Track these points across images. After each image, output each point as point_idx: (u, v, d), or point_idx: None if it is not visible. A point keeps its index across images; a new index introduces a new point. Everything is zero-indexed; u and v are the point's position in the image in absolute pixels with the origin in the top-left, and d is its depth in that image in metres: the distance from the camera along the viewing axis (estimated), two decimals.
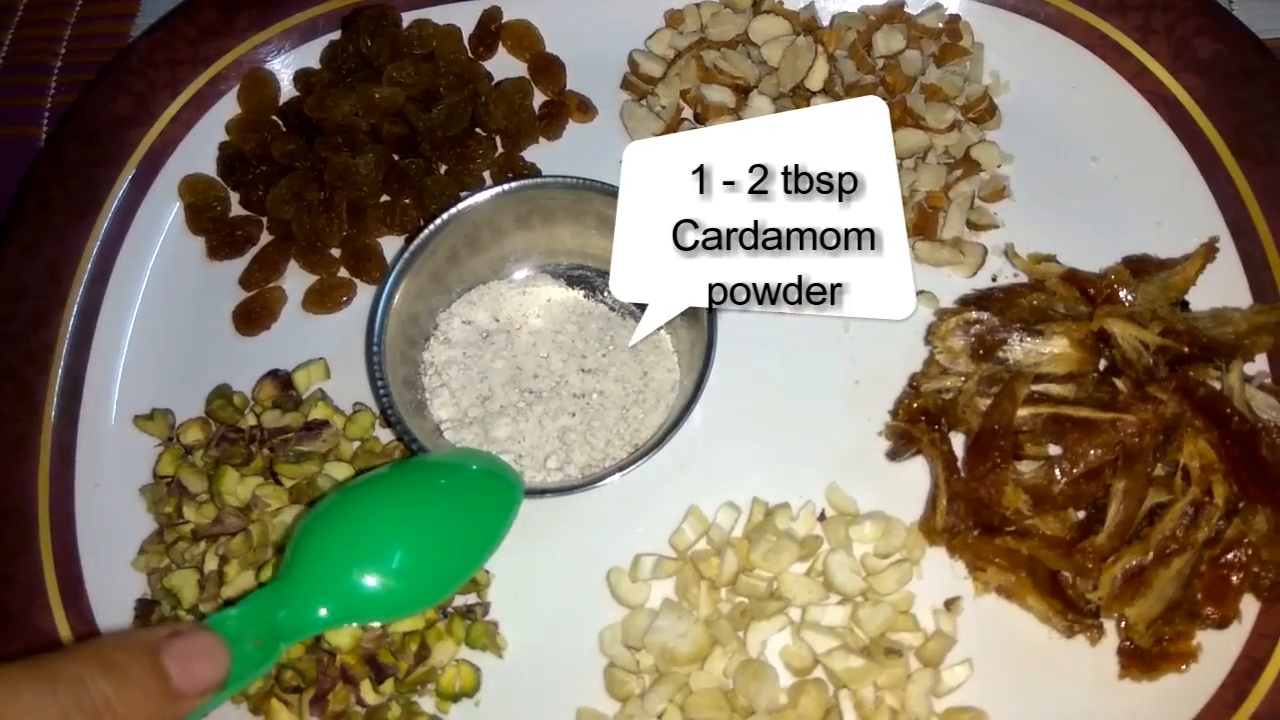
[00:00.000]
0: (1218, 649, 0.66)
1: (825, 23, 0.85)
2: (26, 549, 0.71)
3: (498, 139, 0.83)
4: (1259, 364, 0.72)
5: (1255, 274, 0.75)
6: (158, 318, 0.79)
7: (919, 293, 0.77)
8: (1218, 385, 0.67)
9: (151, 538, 0.73)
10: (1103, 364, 0.70)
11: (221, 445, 0.72)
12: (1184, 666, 0.65)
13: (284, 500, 0.70)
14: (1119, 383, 0.67)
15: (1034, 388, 0.68)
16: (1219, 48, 0.79)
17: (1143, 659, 0.65)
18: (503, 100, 0.82)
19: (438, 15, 0.85)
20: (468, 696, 0.68)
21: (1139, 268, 0.73)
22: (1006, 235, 0.78)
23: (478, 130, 0.83)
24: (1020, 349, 0.69)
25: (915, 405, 0.71)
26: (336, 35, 0.85)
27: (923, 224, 0.78)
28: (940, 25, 0.84)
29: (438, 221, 0.71)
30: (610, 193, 0.72)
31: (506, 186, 0.72)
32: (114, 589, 0.71)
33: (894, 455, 0.73)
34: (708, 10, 0.85)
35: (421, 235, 0.71)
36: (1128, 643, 0.65)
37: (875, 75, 0.82)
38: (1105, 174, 0.80)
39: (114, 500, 0.74)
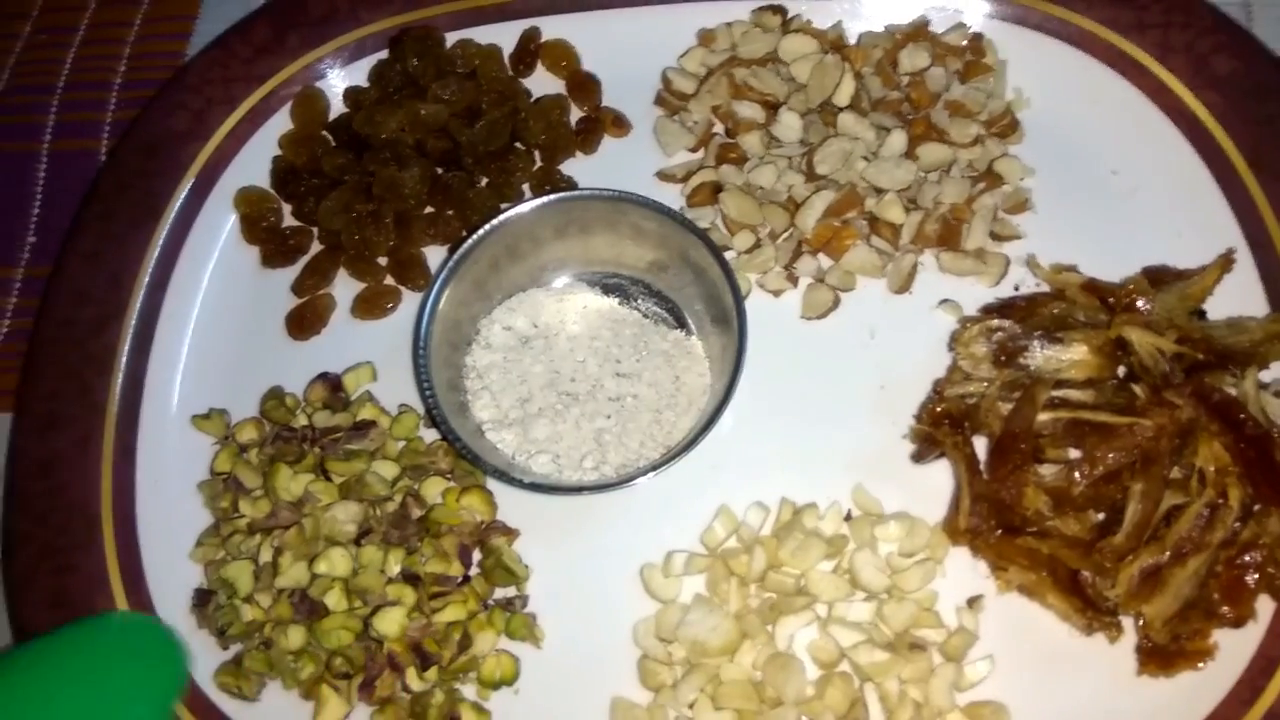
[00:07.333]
0: (1234, 647, 0.67)
1: (852, 41, 0.87)
2: (91, 541, 0.75)
3: (536, 153, 0.86)
4: (1275, 370, 0.74)
5: (1272, 284, 0.77)
6: (214, 323, 0.83)
7: (943, 301, 0.80)
8: (1234, 391, 0.69)
9: (208, 531, 0.76)
10: (1122, 370, 0.72)
11: (275, 444, 0.76)
12: (1201, 664, 0.67)
13: (334, 496, 0.74)
14: (1137, 389, 0.69)
15: (1054, 393, 0.70)
16: (1236, 64, 0.81)
17: (1160, 656, 0.66)
18: (541, 116, 0.85)
19: (479, 35, 0.89)
20: (507, 684, 0.71)
21: (1158, 278, 0.75)
22: (1028, 246, 0.81)
23: (517, 145, 0.86)
24: (1041, 355, 0.71)
25: (939, 409, 0.73)
26: (384, 54, 0.88)
27: (947, 235, 0.80)
28: (964, 43, 0.86)
29: (480, 233, 0.74)
30: (644, 204, 0.75)
31: (545, 199, 0.75)
32: (172, 579, 0.75)
33: (919, 458, 0.75)
34: (738, 29, 0.88)
35: (464, 246, 0.74)
36: (1145, 640, 0.67)
37: (901, 91, 0.85)
38: (1125, 187, 0.82)
39: (173, 495, 0.77)
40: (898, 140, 0.81)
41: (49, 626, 0.72)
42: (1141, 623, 0.67)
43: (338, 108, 0.88)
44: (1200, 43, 0.82)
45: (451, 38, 0.88)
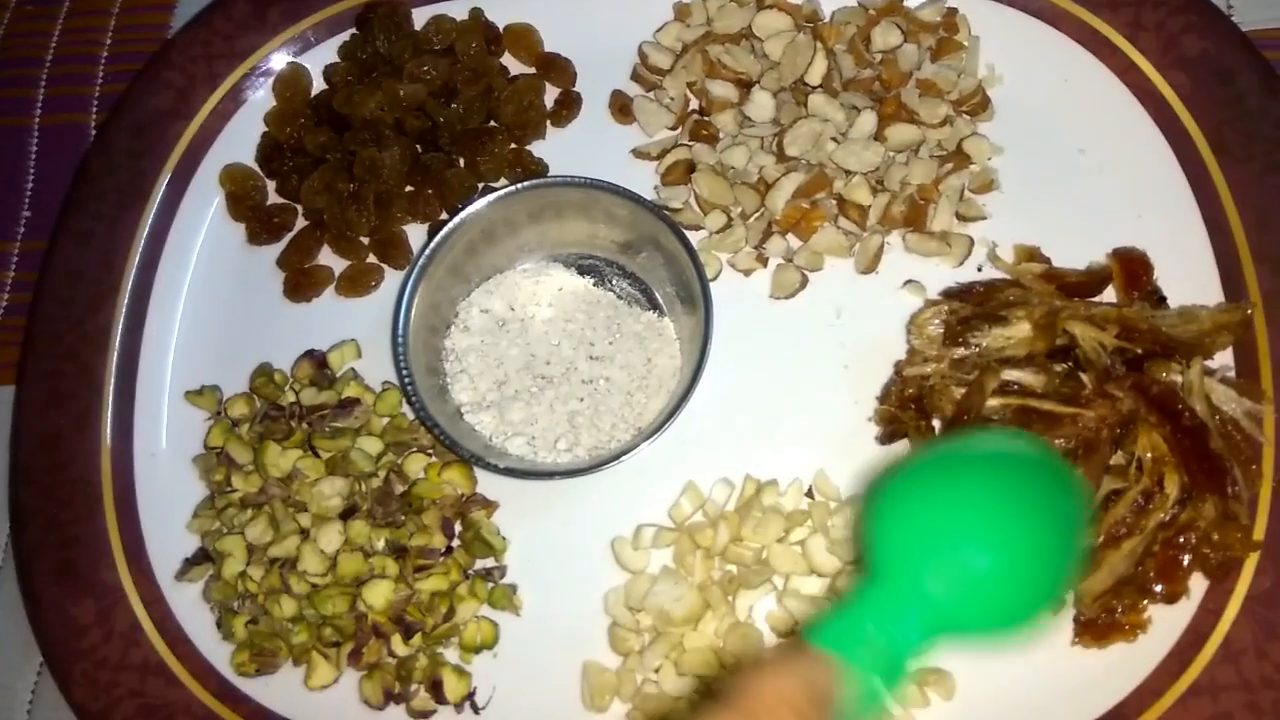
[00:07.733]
0: (1167, 622, 0.71)
1: (827, 14, 0.88)
2: (93, 514, 0.79)
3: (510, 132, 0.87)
4: (1223, 357, 0.76)
5: (1227, 268, 0.78)
6: (204, 300, 0.85)
7: (907, 282, 0.82)
8: (1180, 379, 0.71)
9: (204, 503, 0.80)
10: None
11: (265, 421, 0.79)
12: (1134, 637, 0.71)
13: (321, 472, 0.77)
14: (1085, 378, 0.72)
15: (1005, 376, 0.73)
16: (1205, 46, 0.81)
17: (1094, 628, 0.70)
18: (513, 98, 0.86)
19: (449, 9, 0.89)
20: (487, 649, 0.76)
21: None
22: (993, 225, 0.82)
23: (492, 123, 0.87)
24: (987, 335, 0.74)
25: (907, 393, 0.76)
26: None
27: (913, 216, 0.82)
28: (938, 19, 0.86)
29: (454, 222, 0.76)
30: (616, 191, 0.77)
31: (520, 186, 0.77)
32: (172, 549, 0.79)
33: (886, 440, 0.77)
34: (714, 3, 0.88)
35: (441, 233, 0.76)
36: (1080, 614, 0.71)
37: (873, 70, 0.85)
38: (1091, 166, 0.83)
39: (169, 469, 0.81)
40: (867, 122, 0.82)
41: (57, 597, 0.77)
42: (1075, 597, 0.71)
43: (319, 84, 0.89)
44: (1171, 22, 0.83)
45: (420, 12, 0.89)
